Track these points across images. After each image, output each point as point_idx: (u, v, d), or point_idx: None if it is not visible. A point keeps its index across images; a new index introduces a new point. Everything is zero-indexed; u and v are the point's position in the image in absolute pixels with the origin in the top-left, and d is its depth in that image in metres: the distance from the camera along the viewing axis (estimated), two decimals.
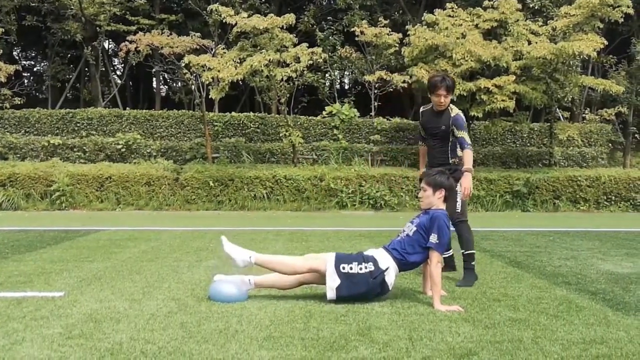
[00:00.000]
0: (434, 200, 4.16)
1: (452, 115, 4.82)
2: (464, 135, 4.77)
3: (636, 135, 18.97)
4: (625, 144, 18.50)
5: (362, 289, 3.95)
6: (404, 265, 4.10)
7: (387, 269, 4.01)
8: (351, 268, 3.96)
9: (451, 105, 4.90)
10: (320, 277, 4.04)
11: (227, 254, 4.05)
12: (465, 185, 4.64)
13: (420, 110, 5.18)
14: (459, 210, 4.85)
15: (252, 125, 17.23)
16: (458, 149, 4.86)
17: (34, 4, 19.13)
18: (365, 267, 3.97)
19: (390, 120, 17.54)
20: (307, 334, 3.22)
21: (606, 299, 4.20)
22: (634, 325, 3.49)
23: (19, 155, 15.50)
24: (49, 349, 2.95)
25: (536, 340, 3.17)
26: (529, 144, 17.94)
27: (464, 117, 4.90)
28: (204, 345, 3.02)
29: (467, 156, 4.72)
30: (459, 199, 4.80)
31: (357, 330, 3.31)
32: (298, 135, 14.66)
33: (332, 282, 3.93)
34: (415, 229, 4.11)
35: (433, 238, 3.99)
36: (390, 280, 4.05)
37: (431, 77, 5.04)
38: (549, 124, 16.82)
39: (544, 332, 3.33)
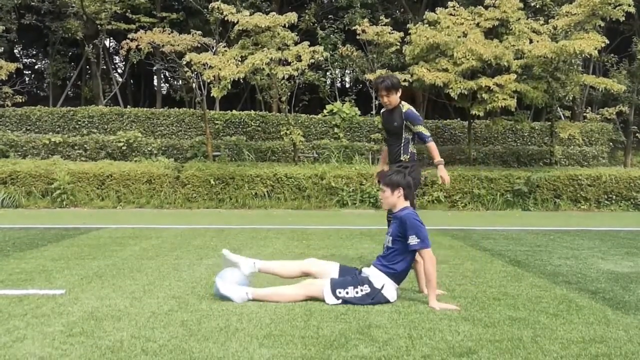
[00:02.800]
0: (394, 199, 4.15)
1: (404, 110, 4.97)
2: (421, 129, 4.93)
3: (637, 134, 18.97)
4: (626, 143, 18.49)
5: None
6: (396, 277, 4.04)
7: (382, 286, 3.97)
8: (347, 293, 3.93)
9: (403, 102, 5.05)
10: (318, 297, 4.01)
11: (224, 295, 3.96)
12: (443, 175, 4.85)
13: (381, 111, 5.32)
14: None
15: (253, 124, 17.23)
16: (410, 146, 5.03)
17: (34, 3, 19.13)
18: (362, 290, 3.95)
19: None
20: (307, 332, 3.23)
21: (606, 298, 4.21)
22: (634, 325, 3.49)
23: (20, 153, 15.52)
24: (50, 346, 2.96)
25: (536, 339, 3.17)
26: (529, 143, 17.93)
27: (416, 111, 5.06)
28: (204, 343, 3.03)
29: (433, 149, 4.91)
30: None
31: (357, 329, 3.32)
32: (299, 134, 14.66)
33: (331, 302, 3.91)
34: (391, 238, 4.09)
35: (413, 240, 3.95)
36: (390, 295, 3.99)
37: (374, 80, 5.20)
38: (549, 122, 16.81)
39: (544, 331, 3.34)
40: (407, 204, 4.17)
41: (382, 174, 4.34)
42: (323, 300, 3.95)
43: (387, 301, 3.98)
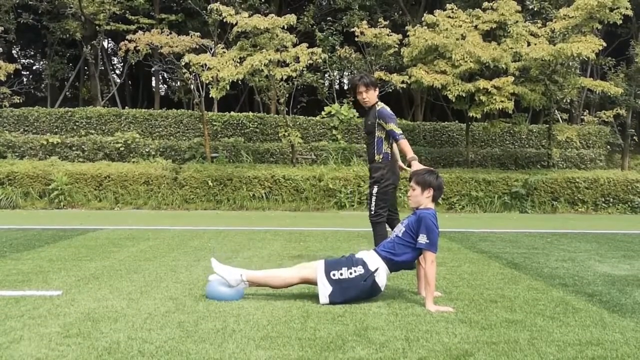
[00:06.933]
0: (422, 199, 4.16)
1: (378, 108, 5.10)
2: (392, 127, 5.03)
3: (634, 137, 19.02)
4: (623, 146, 18.53)
5: (354, 293, 3.97)
6: (393, 265, 4.10)
7: (376, 269, 4.02)
8: (341, 274, 3.97)
9: (379, 102, 5.20)
10: (312, 280, 4.06)
11: (219, 275, 4.04)
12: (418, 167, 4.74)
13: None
14: (372, 212, 5.18)
15: (251, 125, 17.24)
16: (384, 146, 5.09)
17: (32, 3, 19.12)
18: (355, 271, 3.99)
19: None
20: (304, 334, 3.23)
21: (603, 300, 4.21)
22: (630, 327, 3.50)
23: (17, 154, 15.50)
24: (47, 347, 2.95)
25: (532, 341, 3.18)
26: (527, 146, 17.96)
27: (389, 110, 5.15)
28: (201, 344, 3.03)
29: (405, 146, 4.97)
30: (373, 202, 5.14)
31: (354, 331, 3.32)
32: (297, 136, 14.67)
33: (325, 290, 3.95)
34: (404, 229, 4.12)
35: (422, 239, 3.99)
36: (381, 281, 4.05)
37: (350, 80, 5.31)
38: (547, 125, 16.84)
39: (540, 333, 3.34)
40: (433, 205, 4.19)
41: (413, 173, 4.33)
42: (315, 284, 3.99)
43: (378, 287, 4.04)
